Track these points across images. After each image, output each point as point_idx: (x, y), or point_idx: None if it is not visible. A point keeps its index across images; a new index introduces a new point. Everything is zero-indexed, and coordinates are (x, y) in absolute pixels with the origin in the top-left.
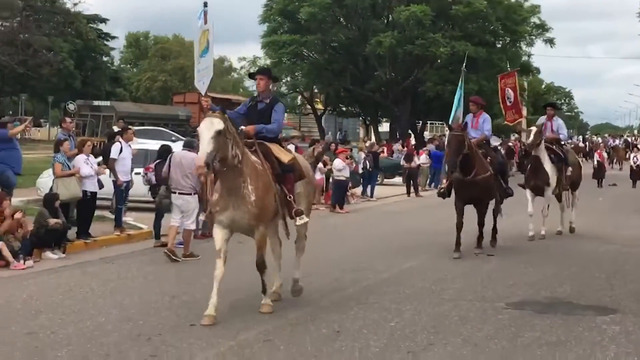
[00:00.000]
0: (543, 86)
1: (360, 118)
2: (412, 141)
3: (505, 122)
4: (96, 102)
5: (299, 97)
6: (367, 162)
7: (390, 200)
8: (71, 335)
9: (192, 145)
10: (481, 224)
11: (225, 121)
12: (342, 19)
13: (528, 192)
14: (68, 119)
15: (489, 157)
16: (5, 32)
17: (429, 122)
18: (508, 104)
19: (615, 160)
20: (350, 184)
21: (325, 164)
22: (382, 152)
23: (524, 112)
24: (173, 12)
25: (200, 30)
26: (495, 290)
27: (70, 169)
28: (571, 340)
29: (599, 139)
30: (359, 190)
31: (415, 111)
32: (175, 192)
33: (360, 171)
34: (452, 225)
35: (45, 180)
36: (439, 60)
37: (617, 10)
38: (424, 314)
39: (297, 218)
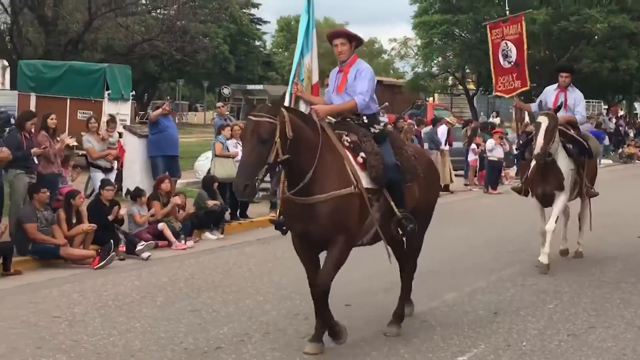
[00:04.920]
0: None
1: (514, 98)
2: None
3: (496, 94)
4: (249, 86)
5: (450, 78)
6: (521, 142)
7: None
8: (232, 313)
9: None
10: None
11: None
12: None
13: (534, 202)
14: (220, 104)
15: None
16: (164, 20)
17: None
18: (505, 64)
19: None
20: (504, 164)
21: (478, 145)
22: None
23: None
24: None
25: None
26: None
27: (229, 151)
28: None
29: None
30: (512, 171)
31: None
32: None
33: (515, 152)
34: (615, 207)
35: (203, 163)
36: (595, 37)
37: None
38: (584, 296)
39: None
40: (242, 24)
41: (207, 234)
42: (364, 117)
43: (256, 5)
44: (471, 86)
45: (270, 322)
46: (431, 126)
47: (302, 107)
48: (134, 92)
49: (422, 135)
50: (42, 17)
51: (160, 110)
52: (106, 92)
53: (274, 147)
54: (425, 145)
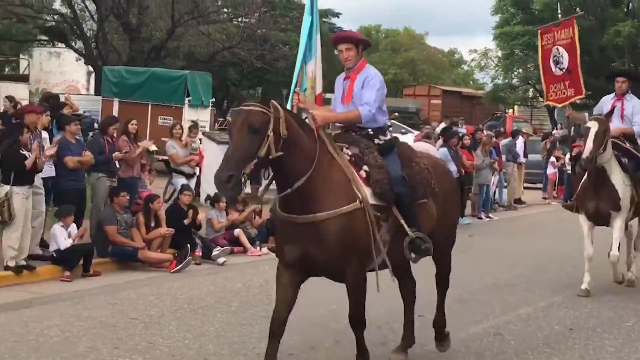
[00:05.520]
0: None
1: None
2: None
3: (547, 103)
4: (328, 95)
5: (531, 90)
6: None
7: None
8: (304, 320)
9: (429, 137)
10: None
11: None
12: (578, 9)
13: (583, 220)
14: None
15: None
16: (245, 28)
17: None
18: (556, 71)
19: None
20: None
21: (558, 158)
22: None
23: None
24: (404, 5)
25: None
26: None
27: None
28: None
29: None
30: None
31: None
32: None
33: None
34: None
35: None
36: None
37: None
38: None
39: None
40: (322, 33)
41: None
42: (369, 130)
43: (337, 15)
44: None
45: (341, 331)
46: (510, 138)
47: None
48: (213, 99)
49: (501, 147)
50: (127, 24)
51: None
52: (187, 99)
53: (267, 140)
54: (503, 157)
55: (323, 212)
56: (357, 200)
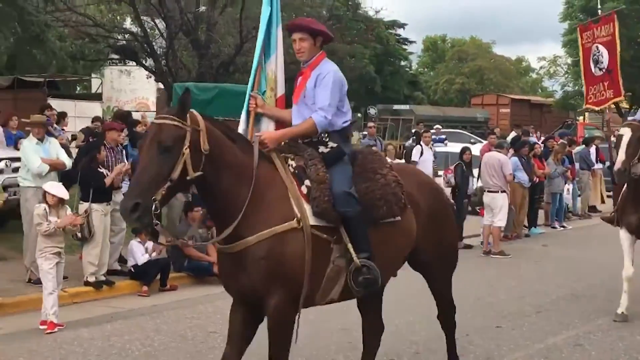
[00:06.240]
0: None
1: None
2: None
3: (585, 107)
4: (396, 106)
5: None
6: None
7: None
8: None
9: (502, 146)
10: None
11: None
12: None
13: (623, 234)
14: (371, 124)
15: None
16: None
17: None
18: (596, 72)
19: None
20: None
21: None
22: None
23: None
24: (470, 14)
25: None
26: None
27: None
28: None
29: None
30: None
31: None
32: (485, 190)
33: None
34: None
35: None
36: None
37: None
38: None
39: None
40: (389, 44)
41: None
42: (324, 135)
43: (402, 26)
44: (624, 104)
45: (420, 342)
46: (583, 146)
47: (264, 126)
48: None
49: (574, 155)
50: (196, 41)
51: None
52: None
53: (181, 158)
54: (577, 166)
55: (254, 235)
56: (295, 219)
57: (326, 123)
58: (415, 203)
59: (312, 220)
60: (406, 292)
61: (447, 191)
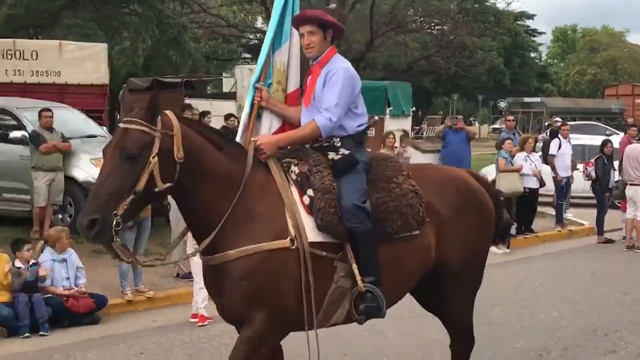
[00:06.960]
0: None
1: None
2: None
3: None
4: (526, 99)
5: None
6: None
7: None
8: (526, 327)
9: None
10: None
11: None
12: None
13: None
14: (510, 117)
15: None
16: (440, 35)
17: None
18: None
19: None
20: None
21: None
22: None
23: None
24: (601, 3)
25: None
26: None
27: (512, 165)
28: None
29: None
30: None
31: None
32: (627, 183)
33: None
34: None
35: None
36: None
37: None
38: None
39: None
40: (517, 36)
41: (493, 248)
42: (336, 139)
43: (531, 17)
44: None
45: (567, 338)
46: None
47: (266, 123)
48: (414, 108)
49: None
50: None
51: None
52: (387, 109)
53: (147, 168)
54: None
55: (235, 250)
56: (288, 238)
57: (331, 126)
58: (436, 213)
59: (313, 236)
60: (548, 286)
61: (587, 184)
